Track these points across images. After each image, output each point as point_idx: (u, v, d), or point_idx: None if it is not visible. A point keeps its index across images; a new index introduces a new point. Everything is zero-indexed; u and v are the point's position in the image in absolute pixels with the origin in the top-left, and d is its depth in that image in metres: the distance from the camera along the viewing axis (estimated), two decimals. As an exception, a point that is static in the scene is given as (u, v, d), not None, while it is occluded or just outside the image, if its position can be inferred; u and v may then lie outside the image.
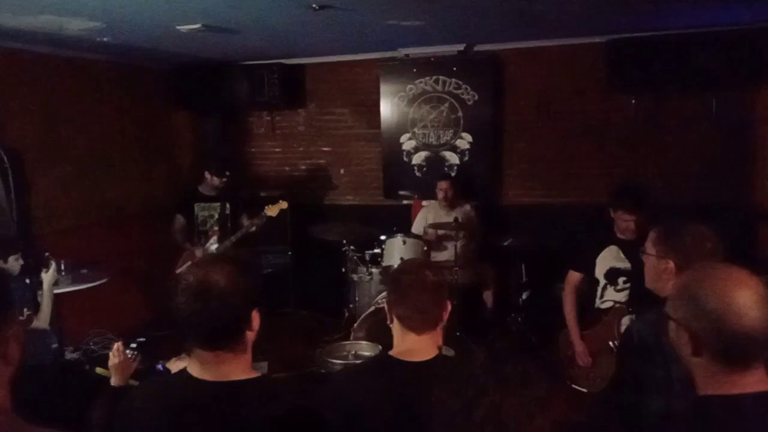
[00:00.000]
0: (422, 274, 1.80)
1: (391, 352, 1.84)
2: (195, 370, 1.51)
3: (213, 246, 4.84)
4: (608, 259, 3.61)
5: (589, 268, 3.67)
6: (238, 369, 1.51)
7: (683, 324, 1.34)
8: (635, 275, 3.45)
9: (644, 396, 1.84)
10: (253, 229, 4.85)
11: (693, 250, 1.94)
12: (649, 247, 2.09)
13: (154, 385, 1.67)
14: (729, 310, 1.26)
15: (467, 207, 5.43)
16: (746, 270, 1.35)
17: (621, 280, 3.58)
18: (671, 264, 1.98)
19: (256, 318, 1.53)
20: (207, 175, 5.04)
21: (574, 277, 3.76)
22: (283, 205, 4.84)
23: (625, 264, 3.54)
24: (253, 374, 1.53)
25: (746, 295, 1.28)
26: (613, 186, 4.20)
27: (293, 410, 1.49)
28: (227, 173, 5.02)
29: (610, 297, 3.59)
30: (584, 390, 3.53)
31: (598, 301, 3.67)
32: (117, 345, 2.31)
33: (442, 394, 1.19)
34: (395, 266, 2.26)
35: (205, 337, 1.48)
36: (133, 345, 2.53)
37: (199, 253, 4.76)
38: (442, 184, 5.33)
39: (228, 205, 5.06)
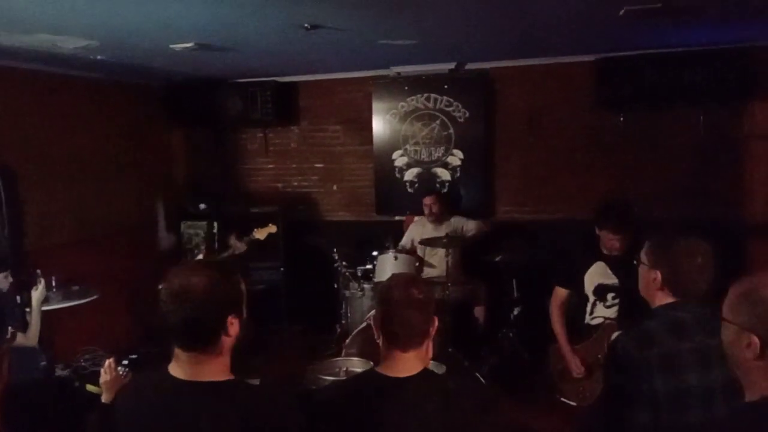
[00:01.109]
0: (408, 291, 1.79)
1: (377, 368, 1.85)
2: (174, 369, 1.57)
3: None
4: (595, 275, 3.62)
5: (575, 285, 3.67)
6: (214, 370, 1.56)
7: (747, 327, 1.34)
8: (624, 291, 3.47)
9: (630, 410, 1.85)
10: (240, 251, 4.82)
11: (682, 264, 1.96)
12: (643, 256, 2.11)
13: (136, 383, 1.77)
14: None
15: (455, 219, 5.45)
16: None
17: (610, 296, 3.59)
18: (659, 275, 1.99)
19: (234, 324, 1.56)
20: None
21: (560, 293, 3.76)
22: (272, 229, 4.84)
23: (612, 280, 3.56)
24: (229, 377, 1.58)
25: None
26: (598, 204, 4.19)
27: (266, 412, 1.54)
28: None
29: (600, 313, 3.61)
30: (573, 404, 3.54)
31: (588, 317, 3.68)
32: (108, 362, 2.31)
33: (406, 410, 1.22)
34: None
35: (180, 338, 1.55)
36: (125, 362, 2.53)
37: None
38: (427, 200, 5.38)
39: (215, 224, 5.04)
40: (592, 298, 3.63)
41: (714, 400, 1.82)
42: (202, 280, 1.52)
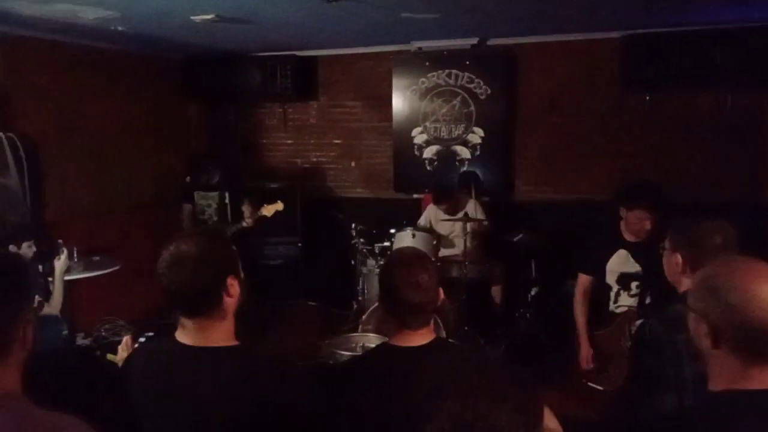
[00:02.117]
0: (410, 272, 1.75)
1: (390, 341, 1.85)
2: (180, 335, 1.59)
3: None
4: (618, 264, 3.52)
5: (598, 271, 3.59)
6: (219, 336, 1.58)
7: (703, 316, 1.34)
8: (647, 278, 3.41)
9: (657, 393, 1.83)
10: (248, 225, 4.85)
11: (702, 244, 1.94)
12: (667, 240, 2.10)
13: (144, 350, 1.80)
14: (751, 304, 1.26)
15: (472, 202, 5.38)
16: (765, 263, 1.34)
17: (634, 284, 3.51)
18: (679, 257, 1.98)
19: (234, 284, 1.58)
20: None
21: (584, 279, 3.68)
22: (279, 206, 4.86)
23: (635, 268, 3.47)
24: (235, 342, 1.60)
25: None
26: (623, 184, 4.08)
27: (272, 378, 1.55)
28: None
29: (625, 302, 3.53)
30: (600, 388, 3.50)
31: (612, 305, 3.61)
32: (126, 339, 2.34)
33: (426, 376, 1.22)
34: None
35: (184, 305, 1.56)
36: (142, 339, 2.56)
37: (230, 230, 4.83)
38: (442, 206, 5.24)
39: (227, 194, 5.07)
40: (615, 288, 3.56)
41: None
42: (192, 247, 1.54)
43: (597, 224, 4.13)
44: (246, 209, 4.97)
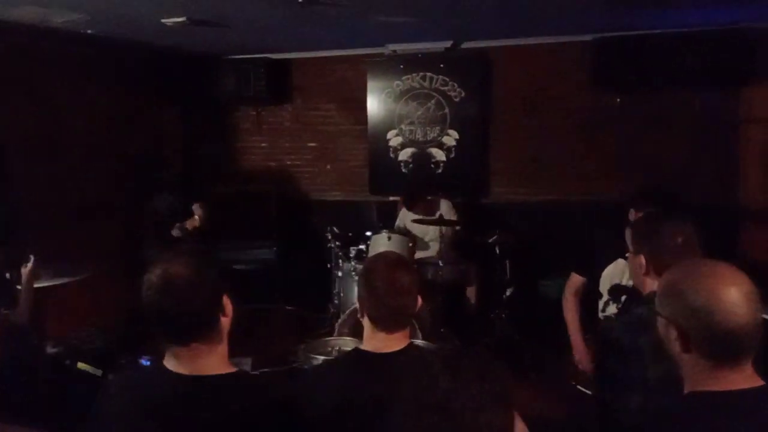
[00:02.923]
0: (392, 276, 1.77)
1: (361, 346, 1.84)
2: (171, 364, 1.49)
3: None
4: (614, 274, 3.38)
5: (593, 276, 3.39)
6: (215, 363, 1.50)
7: (672, 320, 1.33)
8: (639, 296, 3.34)
9: (622, 395, 1.84)
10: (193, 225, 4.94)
11: (663, 245, 1.93)
12: (629, 243, 2.08)
13: (133, 379, 1.65)
14: (718, 308, 1.26)
15: (446, 204, 5.39)
16: (732, 266, 1.34)
17: (624, 297, 3.48)
18: (642, 259, 1.96)
19: (228, 303, 1.52)
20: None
21: (576, 280, 3.48)
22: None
23: (630, 282, 3.42)
24: (231, 369, 1.52)
25: (734, 291, 1.27)
26: (639, 185, 3.94)
27: (270, 405, 1.49)
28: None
29: (612, 312, 3.49)
30: (589, 392, 3.42)
31: (600, 312, 3.56)
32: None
33: (402, 381, 1.22)
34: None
35: (178, 332, 1.46)
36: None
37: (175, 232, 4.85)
38: (416, 209, 5.21)
39: (185, 196, 5.14)
40: (606, 297, 3.49)
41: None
42: (183, 269, 1.45)
43: (599, 231, 3.99)
44: (196, 209, 4.98)
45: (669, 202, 3.30)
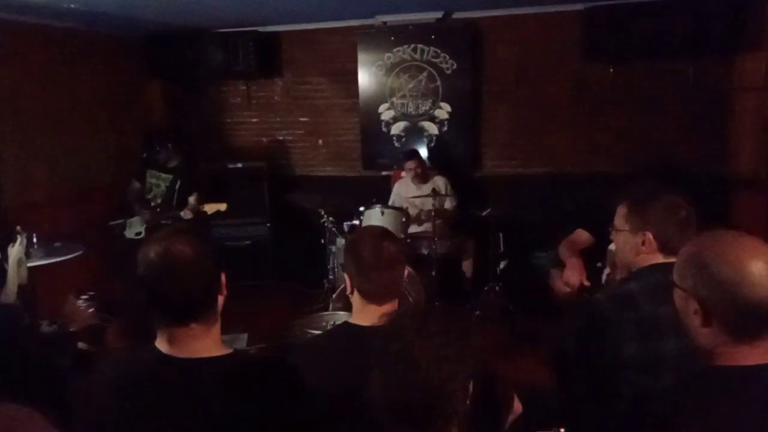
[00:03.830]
0: (379, 248, 1.78)
1: (350, 320, 1.84)
2: (164, 346, 1.44)
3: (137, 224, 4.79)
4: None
5: (602, 240, 3.06)
6: (210, 344, 1.46)
7: (693, 293, 1.29)
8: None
9: (578, 370, 1.84)
10: (186, 217, 4.79)
11: (668, 220, 1.91)
12: (621, 222, 2.03)
13: (122, 362, 1.57)
14: (743, 281, 1.22)
15: (439, 178, 5.39)
16: (757, 238, 1.29)
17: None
18: (649, 236, 1.92)
19: (223, 281, 1.50)
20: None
21: (583, 237, 3.23)
22: (222, 207, 4.77)
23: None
24: (225, 350, 1.49)
25: (760, 265, 1.23)
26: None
27: (274, 385, 1.47)
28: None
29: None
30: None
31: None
32: (69, 297, 2.32)
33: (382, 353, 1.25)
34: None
35: (177, 312, 1.42)
36: (83, 297, 2.60)
37: (142, 217, 4.77)
38: (410, 164, 5.27)
39: (179, 180, 4.99)
40: (607, 270, 3.51)
41: (690, 366, 1.82)
42: (186, 247, 1.40)
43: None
44: (192, 200, 4.90)
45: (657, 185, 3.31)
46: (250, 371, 1.48)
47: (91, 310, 2.34)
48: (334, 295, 4.39)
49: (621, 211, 2.06)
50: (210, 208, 4.78)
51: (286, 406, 1.44)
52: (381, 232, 1.88)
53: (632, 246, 1.98)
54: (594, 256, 3.42)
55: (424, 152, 5.96)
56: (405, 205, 5.25)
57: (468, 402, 1.17)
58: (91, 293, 2.70)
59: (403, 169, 5.53)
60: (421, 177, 5.29)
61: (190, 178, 5.05)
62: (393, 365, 1.18)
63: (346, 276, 1.86)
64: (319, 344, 1.99)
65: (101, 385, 1.46)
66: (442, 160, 5.87)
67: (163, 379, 1.41)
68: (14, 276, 3.24)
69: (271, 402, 1.43)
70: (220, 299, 1.49)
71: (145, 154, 5.05)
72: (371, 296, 1.79)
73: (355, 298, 1.83)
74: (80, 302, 2.34)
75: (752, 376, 1.24)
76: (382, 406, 1.20)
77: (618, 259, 2.11)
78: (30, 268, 3.69)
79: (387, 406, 1.19)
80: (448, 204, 5.26)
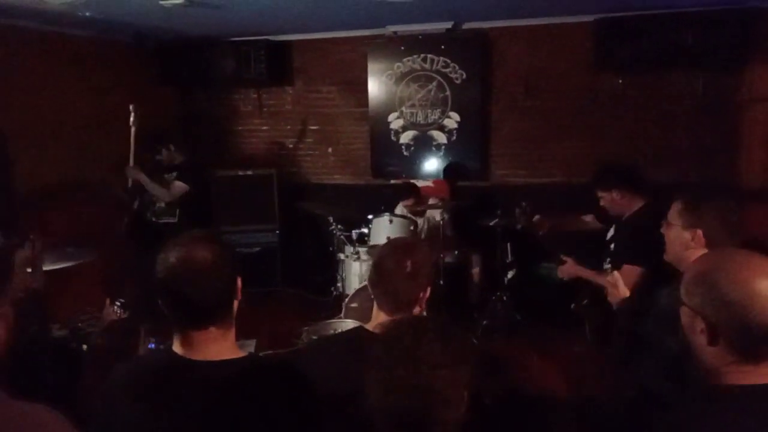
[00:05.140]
0: (401, 261, 1.83)
1: (365, 325, 1.90)
2: (181, 349, 1.47)
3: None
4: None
5: (655, 261, 2.59)
6: (227, 347, 1.49)
7: (699, 312, 1.28)
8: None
9: (649, 361, 1.86)
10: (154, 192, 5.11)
11: (721, 222, 1.98)
12: (674, 217, 2.09)
13: (142, 364, 1.61)
14: (753, 303, 1.21)
15: (433, 211, 5.36)
16: (766, 258, 1.28)
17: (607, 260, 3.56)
18: (699, 233, 1.99)
19: (239, 285, 1.53)
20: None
21: (635, 273, 3.07)
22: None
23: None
24: (240, 353, 1.52)
25: None
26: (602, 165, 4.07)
27: (290, 386, 1.49)
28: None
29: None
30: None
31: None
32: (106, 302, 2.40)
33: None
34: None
35: (196, 316, 1.44)
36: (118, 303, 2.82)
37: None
38: (407, 202, 5.25)
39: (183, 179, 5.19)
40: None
41: None
42: (206, 253, 1.43)
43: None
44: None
45: (632, 180, 3.38)
46: (265, 373, 1.51)
47: (125, 315, 2.45)
48: (347, 298, 4.40)
49: (676, 207, 2.12)
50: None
51: (301, 407, 1.47)
52: (406, 246, 1.94)
53: (682, 241, 2.06)
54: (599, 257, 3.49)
55: (433, 163, 5.99)
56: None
57: (464, 409, 1.20)
58: (122, 300, 2.86)
59: (411, 178, 5.51)
60: (418, 213, 5.27)
61: (193, 175, 5.18)
62: (391, 370, 1.21)
63: (368, 282, 1.94)
64: (328, 346, 2.04)
65: (119, 387, 1.48)
66: (450, 170, 5.89)
67: (181, 381, 1.43)
68: (18, 280, 3.26)
69: (286, 403, 1.45)
70: (235, 303, 1.52)
71: (156, 156, 5.18)
72: (381, 304, 1.86)
73: (374, 305, 1.90)
74: (114, 308, 2.45)
75: (758, 396, 1.23)
76: (379, 411, 1.22)
77: (667, 250, 2.15)
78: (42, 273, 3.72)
79: (385, 411, 1.21)
80: (439, 217, 5.15)
